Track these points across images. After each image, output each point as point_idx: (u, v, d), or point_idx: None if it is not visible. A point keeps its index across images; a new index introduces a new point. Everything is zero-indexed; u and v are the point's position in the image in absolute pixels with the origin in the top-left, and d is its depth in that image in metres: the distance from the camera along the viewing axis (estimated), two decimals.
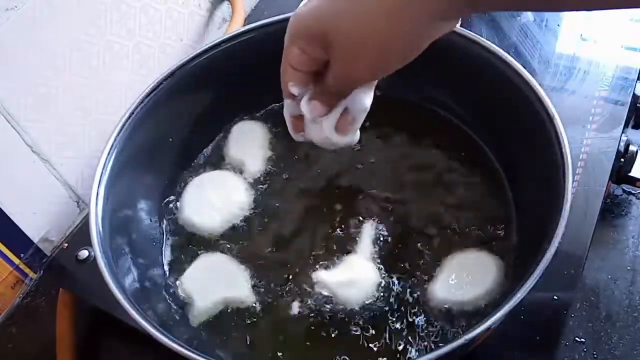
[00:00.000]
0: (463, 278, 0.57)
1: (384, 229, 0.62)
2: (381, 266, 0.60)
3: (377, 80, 0.54)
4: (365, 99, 0.54)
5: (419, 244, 0.61)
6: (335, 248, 0.62)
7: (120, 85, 0.79)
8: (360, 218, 0.63)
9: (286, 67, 0.51)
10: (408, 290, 0.58)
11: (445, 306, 0.56)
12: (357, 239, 0.62)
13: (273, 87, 0.55)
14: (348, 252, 0.61)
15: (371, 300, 0.58)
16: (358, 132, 0.59)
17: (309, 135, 0.58)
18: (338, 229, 0.63)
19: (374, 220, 0.63)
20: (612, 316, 0.63)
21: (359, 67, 0.47)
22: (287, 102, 0.55)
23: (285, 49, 0.50)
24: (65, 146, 0.73)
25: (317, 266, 0.61)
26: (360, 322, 0.57)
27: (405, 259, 0.60)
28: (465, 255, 0.59)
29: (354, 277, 0.59)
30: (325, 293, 0.58)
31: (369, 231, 0.62)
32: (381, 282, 0.58)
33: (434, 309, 0.56)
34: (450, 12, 0.44)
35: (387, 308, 0.57)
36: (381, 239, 0.62)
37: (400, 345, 0.55)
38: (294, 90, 0.52)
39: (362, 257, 0.60)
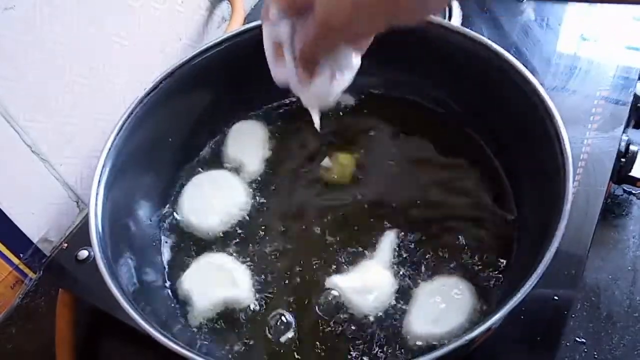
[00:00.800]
0: (437, 309, 0.55)
1: (405, 237, 0.61)
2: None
3: (362, 47, 0.52)
4: (351, 57, 0.52)
5: (417, 251, 0.60)
6: (333, 249, 0.62)
7: (120, 85, 0.79)
8: (360, 219, 0.63)
9: None
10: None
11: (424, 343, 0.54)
12: (374, 244, 0.61)
13: (272, 87, 0.55)
14: (349, 255, 0.61)
15: (384, 310, 0.57)
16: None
17: (304, 97, 0.55)
18: (339, 230, 0.63)
19: (396, 228, 0.62)
20: (613, 316, 0.63)
21: (340, 12, 0.44)
22: (265, 27, 0.53)
23: None
24: (65, 146, 0.73)
25: (317, 267, 0.60)
26: (364, 328, 0.56)
27: (408, 268, 0.60)
28: (433, 286, 0.57)
29: (369, 284, 0.58)
30: (337, 296, 0.58)
31: (390, 239, 0.61)
32: (396, 293, 0.58)
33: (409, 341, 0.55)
34: None
35: (393, 318, 0.57)
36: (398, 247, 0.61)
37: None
38: (274, 14, 0.50)
39: (380, 264, 0.59)
